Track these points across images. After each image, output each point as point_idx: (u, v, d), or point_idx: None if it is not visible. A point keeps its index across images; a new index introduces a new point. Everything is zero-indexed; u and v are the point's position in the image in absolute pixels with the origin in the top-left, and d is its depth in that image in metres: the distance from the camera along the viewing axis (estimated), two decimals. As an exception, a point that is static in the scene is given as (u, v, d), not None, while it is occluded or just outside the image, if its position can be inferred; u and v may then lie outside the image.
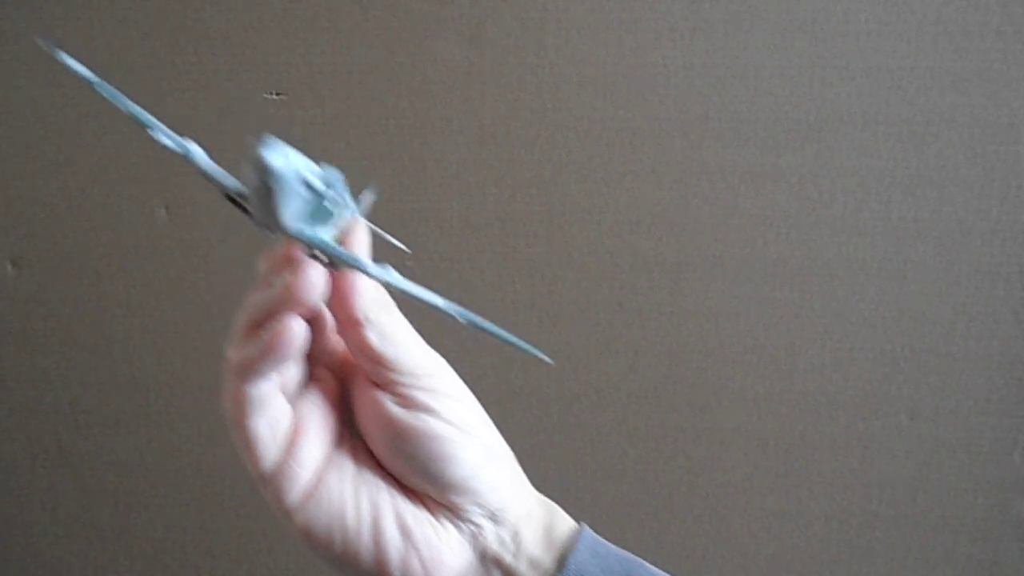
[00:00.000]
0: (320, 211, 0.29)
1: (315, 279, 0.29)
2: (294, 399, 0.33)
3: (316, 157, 0.35)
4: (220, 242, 0.77)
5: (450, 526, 0.33)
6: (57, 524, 0.84)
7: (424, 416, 0.32)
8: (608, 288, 0.75)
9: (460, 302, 0.32)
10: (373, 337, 0.31)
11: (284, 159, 0.27)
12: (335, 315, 0.32)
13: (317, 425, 0.32)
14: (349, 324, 0.31)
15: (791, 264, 0.73)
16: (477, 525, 0.34)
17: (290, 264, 0.29)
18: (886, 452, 0.76)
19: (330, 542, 0.32)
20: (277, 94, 0.73)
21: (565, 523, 0.36)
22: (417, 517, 0.32)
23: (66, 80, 0.75)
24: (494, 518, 0.34)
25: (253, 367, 0.30)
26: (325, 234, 0.29)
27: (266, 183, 0.27)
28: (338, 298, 0.31)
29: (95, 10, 0.73)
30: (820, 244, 0.73)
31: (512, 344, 0.31)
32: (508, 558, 0.34)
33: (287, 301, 0.29)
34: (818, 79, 0.70)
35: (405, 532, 0.32)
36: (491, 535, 0.34)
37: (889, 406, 0.75)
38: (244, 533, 0.83)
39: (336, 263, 0.30)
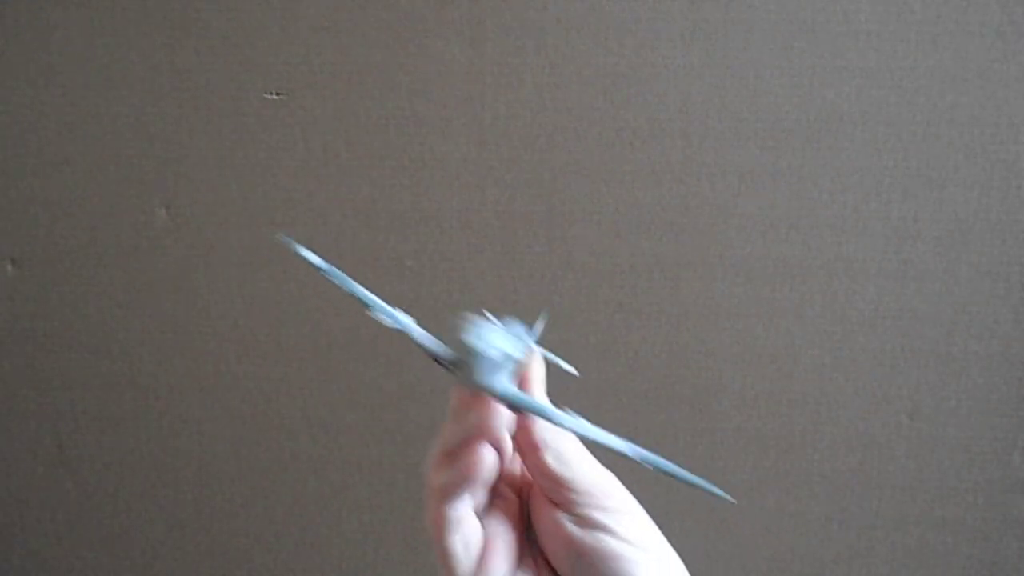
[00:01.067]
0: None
1: (503, 414, 0.33)
2: (483, 518, 0.35)
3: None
4: (220, 242, 0.77)
5: None
6: (57, 524, 0.84)
7: (600, 535, 0.33)
8: (608, 288, 0.75)
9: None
10: (550, 460, 0.34)
11: (483, 340, 0.31)
12: (515, 440, 0.34)
13: (504, 542, 0.35)
14: (528, 448, 0.34)
15: (791, 264, 0.73)
16: None
17: (480, 401, 0.33)
18: (886, 452, 0.76)
19: None
20: (277, 94, 0.73)
21: None
22: None
23: (66, 80, 0.75)
24: None
25: (451, 491, 0.33)
26: (509, 378, 0.33)
27: (469, 361, 0.31)
28: (518, 425, 0.34)
29: (95, 10, 0.73)
30: (820, 244, 0.73)
31: (695, 485, 0.33)
32: None
33: (480, 434, 0.33)
34: (818, 79, 0.70)
35: None
36: None
37: (889, 406, 0.75)
38: (244, 533, 0.83)
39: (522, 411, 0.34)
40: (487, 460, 0.32)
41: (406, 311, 0.34)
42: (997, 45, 0.69)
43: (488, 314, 0.35)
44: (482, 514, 0.35)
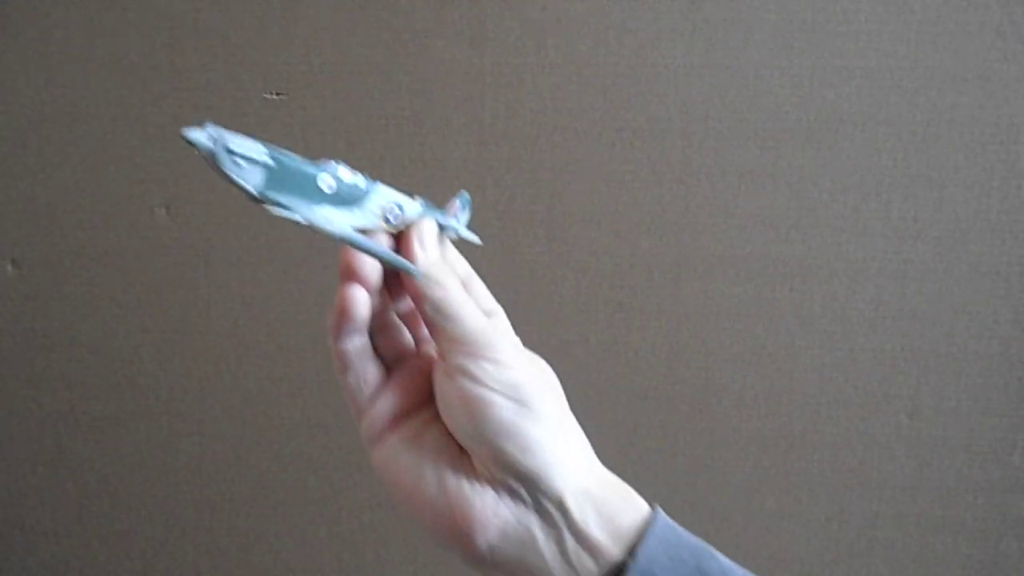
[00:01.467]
0: (327, 196, 0.35)
1: (357, 255, 0.35)
2: (393, 365, 0.38)
3: (317, 157, 0.36)
4: (220, 242, 0.77)
5: (488, 486, 0.35)
6: (57, 524, 0.84)
7: (462, 380, 0.34)
8: (608, 288, 0.75)
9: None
10: (428, 310, 0.35)
11: (204, 134, 0.32)
12: (409, 294, 0.37)
13: (401, 387, 0.37)
14: (414, 299, 0.36)
15: (791, 264, 0.73)
16: (511, 488, 0.34)
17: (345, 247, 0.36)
18: (886, 452, 0.76)
19: (384, 477, 0.38)
20: (277, 94, 0.73)
21: (636, 510, 0.36)
22: (457, 472, 0.35)
23: (66, 80, 0.75)
24: (531, 485, 0.34)
25: (334, 329, 0.36)
26: (354, 219, 0.36)
27: (205, 160, 0.32)
28: (404, 277, 0.36)
29: (95, 10, 0.73)
30: (820, 244, 0.73)
31: (393, 263, 0.35)
32: (558, 532, 0.34)
33: (344, 273, 0.35)
34: (818, 79, 0.70)
35: (441, 481, 0.35)
36: (530, 501, 0.34)
37: (889, 406, 0.75)
38: (244, 533, 0.83)
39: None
40: (352, 297, 0.35)
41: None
42: (997, 45, 0.69)
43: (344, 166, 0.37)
44: (393, 363, 0.38)
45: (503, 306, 0.39)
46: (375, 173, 0.38)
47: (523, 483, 0.34)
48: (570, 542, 0.34)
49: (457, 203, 0.41)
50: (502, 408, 0.34)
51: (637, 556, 0.33)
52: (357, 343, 0.36)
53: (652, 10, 0.70)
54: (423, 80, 0.72)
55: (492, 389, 0.34)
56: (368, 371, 0.37)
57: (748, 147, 0.72)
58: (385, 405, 0.37)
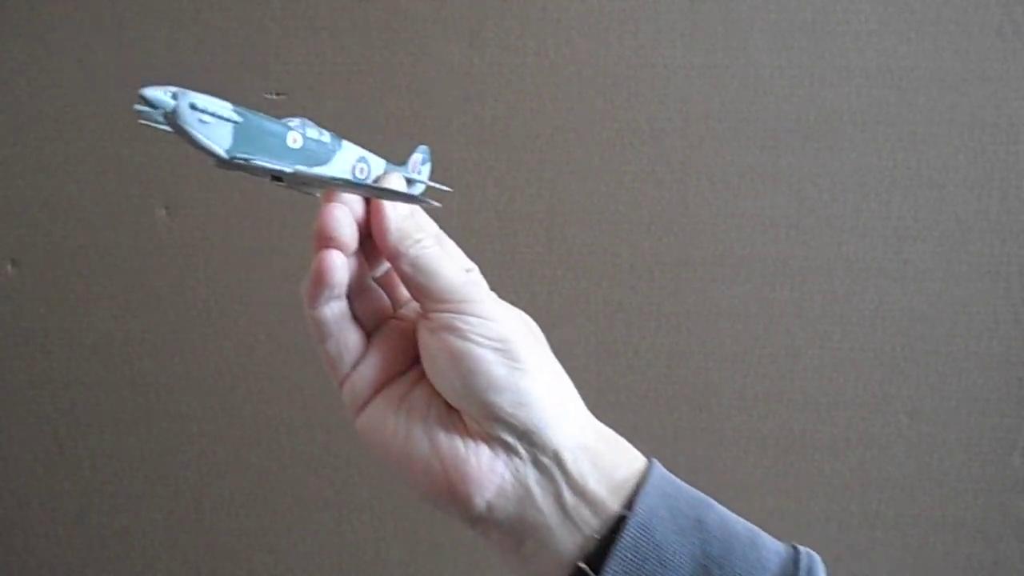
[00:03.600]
0: (295, 153, 0.34)
1: (334, 214, 0.34)
2: (373, 330, 0.37)
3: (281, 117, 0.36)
4: (220, 242, 0.77)
5: (482, 443, 0.34)
6: (57, 524, 0.84)
7: (445, 335, 0.34)
8: (608, 288, 0.75)
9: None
10: (406, 268, 0.35)
11: (164, 90, 0.30)
12: (384, 254, 0.36)
13: (382, 351, 0.37)
14: (390, 259, 0.35)
15: (791, 264, 0.73)
16: (507, 444, 0.34)
17: (321, 208, 0.34)
18: (886, 452, 0.76)
19: (374, 442, 0.36)
20: (277, 94, 0.73)
21: (632, 462, 0.35)
22: (449, 431, 0.35)
23: (66, 80, 0.75)
24: (526, 439, 0.34)
25: (308, 294, 0.35)
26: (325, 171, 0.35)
27: (167, 119, 0.30)
28: (376, 237, 0.35)
29: (95, 10, 0.73)
30: (820, 244, 0.73)
31: (402, 196, 0.34)
32: (556, 486, 0.34)
33: (319, 237, 0.34)
34: (818, 79, 0.70)
35: (433, 442, 0.34)
36: (526, 456, 0.34)
37: (889, 406, 0.75)
38: (244, 533, 0.83)
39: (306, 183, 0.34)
40: (329, 261, 0.34)
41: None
42: (997, 45, 0.69)
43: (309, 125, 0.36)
44: (371, 328, 0.37)
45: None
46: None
47: (519, 438, 0.34)
48: (568, 496, 0.34)
49: (419, 156, 0.41)
50: (492, 362, 0.33)
51: (636, 508, 0.33)
52: (335, 309, 0.36)
53: (652, 10, 0.70)
54: (423, 80, 0.72)
55: (480, 344, 0.33)
56: (348, 337, 0.36)
57: (748, 147, 0.72)
58: (368, 370, 0.37)
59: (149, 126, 0.36)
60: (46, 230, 0.78)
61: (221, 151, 0.32)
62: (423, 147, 0.42)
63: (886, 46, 0.69)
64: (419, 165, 0.41)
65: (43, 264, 0.78)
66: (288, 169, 0.33)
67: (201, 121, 0.31)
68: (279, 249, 0.76)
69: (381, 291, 0.38)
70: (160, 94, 0.29)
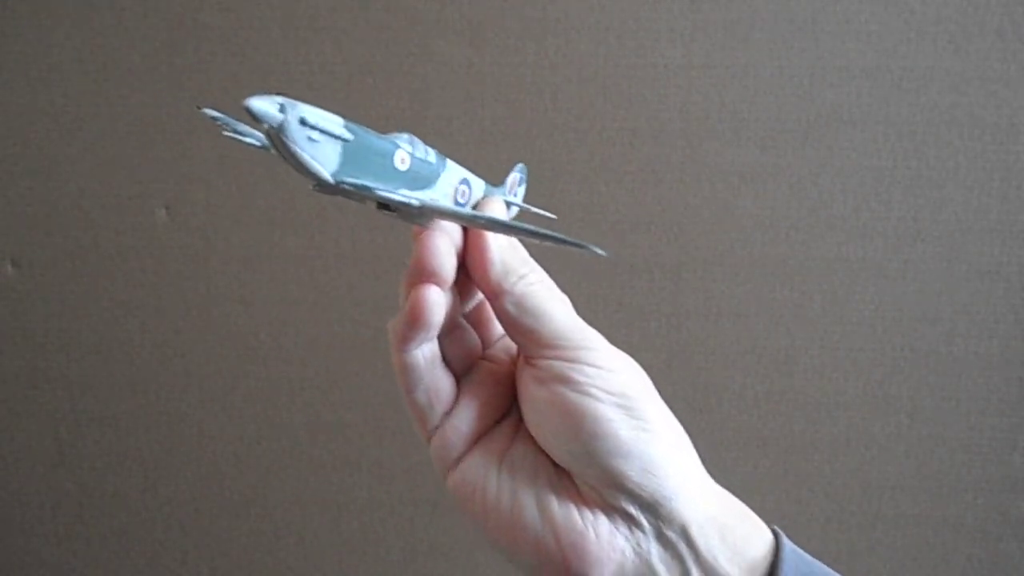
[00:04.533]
0: (402, 175, 0.30)
1: (436, 246, 0.30)
2: (462, 374, 0.33)
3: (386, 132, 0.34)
4: (220, 242, 0.77)
5: (600, 513, 0.31)
6: (57, 524, 0.84)
7: (559, 387, 0.30)
8: (608, 288, 0.75)
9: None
10: (510, 308, 0.31)
11: (271, 102, 0.25)
12: (482, 291, 0.32)
13: (478, 399, 0.33)
14: (490, 297, 0.31)
15: (791, 264, 0.73)
16: (629, 516, 0.30)
17: (418, 237, 0.30)
18: (886, 452, 0.76)
19: (471, 507, 0.32)
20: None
21: (762, 537, 0.32)
22: (562, 499, 0.31)
23: (66, 80, 0.75)
24: (652, 510, 0.30)
25: (401, 335, 0.30)
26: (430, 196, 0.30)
27: (271, 135, 0.26)
28: (475, 271, 0.31)
29: (95, 10, 0.73)
30: (820, 244, 0.73)
31: (562, 242, 0.28)
32: (683, 565, 0.30)
33: (417, 272, 0.30)
34: (818, 79, 0.70)
35: (545, 511, 0.31)
36: (650, 530, 0.31)
37: (889, 406, 0.75)
38: (244, 533, 0.83)
39: (418, 215, 0.30)
40: (429, 298, 0.29)
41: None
42: (997, 45, 0.69)
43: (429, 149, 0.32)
44: (461, 371, 0.33)
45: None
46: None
47: (643, 509, 0.30)
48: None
49: (516, 176, 0.36)
50: (617, 423, 0.30)
51: None
52: (427, 352, 0.31)
53: (652, 10, 0.70)
54: (423, 80, 0.72)
55: (601, 400, 0.30)
56: (440, 383, 0.32)
57: (748, 147, 0.72)
58: (462, 422, 0.32)
59: (234, 139, 0.32)
60: (46, 230, 0.78)
61: (327, 174, 0.27)
62: (520, 166, 0.37)
63: (886, 46, 0.69)
64: (516, 186, 0.37)
65: (43, 264, 0.78)
66: (415, 202, 0.28)
67: (310, 139, 0.26)
68: (279, 249, 0.76)
69: (471, 330, 0.34)
70: (267, 106, 0.25)
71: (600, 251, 0.27)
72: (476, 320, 0.35)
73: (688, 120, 0.71)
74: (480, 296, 0.34)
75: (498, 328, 0.34)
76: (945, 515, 0.77)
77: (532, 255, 0.33)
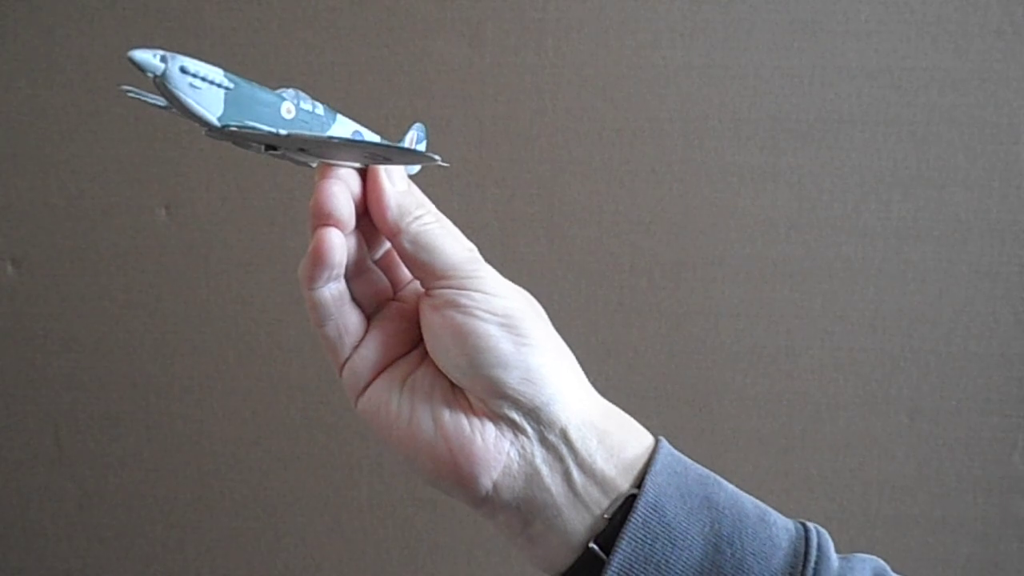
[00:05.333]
0: (288, 124, 0.32)
1: (331, 191, 0.33)
2: (373, 312, 0.36)
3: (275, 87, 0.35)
4: (220, 242, 0.77)
5: (488, 421, 0.33)
6: (57, 524, 0.84)
7: (449, 311, 0.33)
8: (608, 288, 0.75)
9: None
10: (407, 244, 0.34)
11: (153, 53, 0.28)
12: (382, 232, 0.35)
13: (384, 332, 0.36)
14: (389, 236, 0.34)
15: (791, 264, 0.73)
16: (513, 422, 0.33)
17: (316, 186, 0.33)
18: (886, 452, 0.76)
19: (376, 424, 0.35)
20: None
21: (641, 440, 0.35)
22: (453, 411, 0.34)
23: (66, 80, 0.75)
24: (533, 416, 0.33)
25: (306, 275, 0.34)
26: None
27: (156, 84, 0.28)
28: (374, 214, 0.34)
29: (95, 10, 0.73)
30: (820, 244, 0.73)
31: (401, 151, 0.32)
32: (564, 465, 0.33)
33: (316, 215, 0.33)
34: (818, 79, 0.70)
35: (438, 422, 0.34)
36: (533, 435, 0.33)
37: (889, 406, 0.75)
38: (244, 533, 0.83)
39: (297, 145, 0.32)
40: (328, 239, 0.32)
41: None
42: (997, 45, 0.69)
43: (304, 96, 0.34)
44: (371, 310, 0.36)
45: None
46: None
47: (525, 415, 0.33)
48: (576, 475, 0.33)
49: (414, 134, 0.40)
50: (498, 338, 0.33)
51: (645, 487, 0.32)
52: (334, 290, 0.34)
53: (652, 10, 0.70)
54: (423, 80, 0.72)
55: (485, 319, 0.33)
56: (348, 319, 0.35)
57: (748, 147, 0.72)
58: (368, 352, 0.35)
59: (139, 99, 0.35)
60: (46, 230, 0.78)
61: (213, 118, 0.30)
62: (419, 124, 0.41)
63: (886, 46, 0.69)
64: (415, 144, 0.40)
65: (43, 264, 0.78)
66: (283, 132, 0.31)
67: (192, 86, 0.29)
68: (279, 249, 0.76)
69: (380, 273, 0.37)
70: (149, 57, 0.28)
71: (441, 161, 0.31)
72: (386, 265, 0.37)
73: (688, 120, 0.71)
74: (388, 244, 0.37)
75: (407, 272, 0.37)
76: (945, 515, 0.77)
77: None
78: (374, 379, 0.36)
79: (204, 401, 0.80)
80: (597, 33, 0.71)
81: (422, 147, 0.41)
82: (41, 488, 0.83)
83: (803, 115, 0.71)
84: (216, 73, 0.30)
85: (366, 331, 0.36)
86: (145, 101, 0.35)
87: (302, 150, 0.32)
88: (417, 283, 0.36)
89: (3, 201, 0.78)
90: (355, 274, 0.35)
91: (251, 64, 0.73)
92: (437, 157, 0.32)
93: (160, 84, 0.28)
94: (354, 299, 0.35)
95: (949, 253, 0.72)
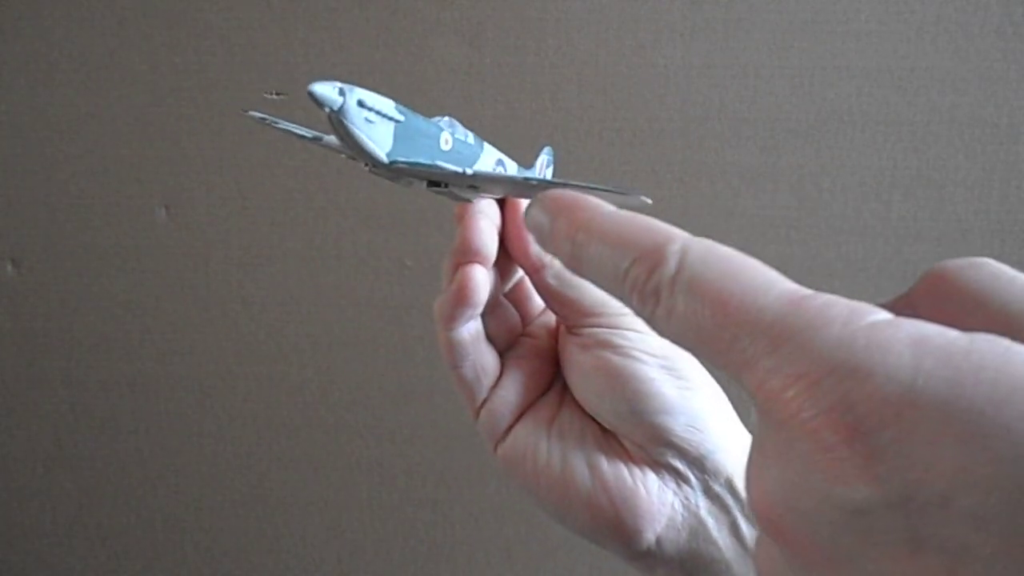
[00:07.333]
0: (446, 156, 0.31)
1: (479, 226, 0.31)
2: (505, 350, 0.34)
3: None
4: (220, 242, 0.77)
5: (648, 470, 0.32)
6: (57, 524, 0.84)
7: (603, 352, 0.31)
8: (608, 288, 0.75)
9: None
10: (551, 280, 0.32)
11: (332, 86, 0.27)
12: (522, 267, 0.33)
13: (522, 371, 0.34)
14: (531, 272, 0.32)
15: (791, 264, 0.73)
16: (677, 471, 0.31)
17: (461, 219, 0.31)
18: (886, 452, 0.76)
19: (522, 473, 0.33)
20: (277, 94, 0.73)
21: None
22: (611, 458, 0.32)
23: (66, 80, 0.75)
24: (698, 464, 0.31)
25: (448, 314, 0.31)
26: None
27: (332, 119, 0.27)
28: (514, 248, 0.32)
29: (95, 10, 0.73)
30: (820, 244, 0.73)
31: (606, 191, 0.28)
32: (731, 516, 0.31)
33: (462, 252, 0.31)
34: (818, 79, 0.70)
35: (595, 471, 0.32)
36: (697, 484, 0.32)
37: (889, 406, 0.75)
38: (244, 533, 0.83)
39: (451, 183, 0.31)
40: (474, 278, 0.30)
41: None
42: (997, 45, 0.69)
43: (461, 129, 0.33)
44: (504, 347, 0.34)
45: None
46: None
47: (690, 464, 0.31)
48: (745, 528, 0.31)
49: (544, 159, 0.38)
50: (661, 382, 0.31)
51: None
52: (472, 329, 0.32)
53: (652, 10, 0.70)
54: (423, 80, 0.72)
55: (644, 362, 0.31)
56: (485, 358, 0.33)
57: (748, 147, 0.72)
58: (508, 393, 0.33)
59: (268, 125, 0.34)
60: (46, 230, 0.78)
61: (382, 155, 0.28)
62: (548, 148, 0.39)
63: (886, 46, 0.69)
64: (544, 168, 0.38)
65: (43, 264, 0.78)
66: (469, 171, 0.29)
67: (367, 120, 0.28)
68: (279, 249, 0.76)
69: (512, 308, 0.35)
70: (328, 91, 0.26)
71: (646, 199, 0.27)
72: (516, 299, 0.36)
73: (688, 120, 0.71)
74: (518, 275, 0.35)
75: (536, 306, 0.35)
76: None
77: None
78: (515, 422, 0.34)
79: (204, 401, 0.80)
80: (597, 33, 0.71)
81: (550, 173, 0.39)
82: (41, 488, 0.83)
83: (803, 115, 0.71)
84: (388, 106, 0.28)
85: (502, 370, 0.34)
86: (275, 127, 0.33)
87: (472, 187, 0.31)
88: (546, 317, 0.35)
89: (3, 201, 0.78)
90: (488, 310, 0.33)
91: (251, 64, 0.73)
92: (647, 198, 0.27)
93: (335, 120, 0.27)
94: (487, 337, 0.33)
95: (949, 253, 0.72)
